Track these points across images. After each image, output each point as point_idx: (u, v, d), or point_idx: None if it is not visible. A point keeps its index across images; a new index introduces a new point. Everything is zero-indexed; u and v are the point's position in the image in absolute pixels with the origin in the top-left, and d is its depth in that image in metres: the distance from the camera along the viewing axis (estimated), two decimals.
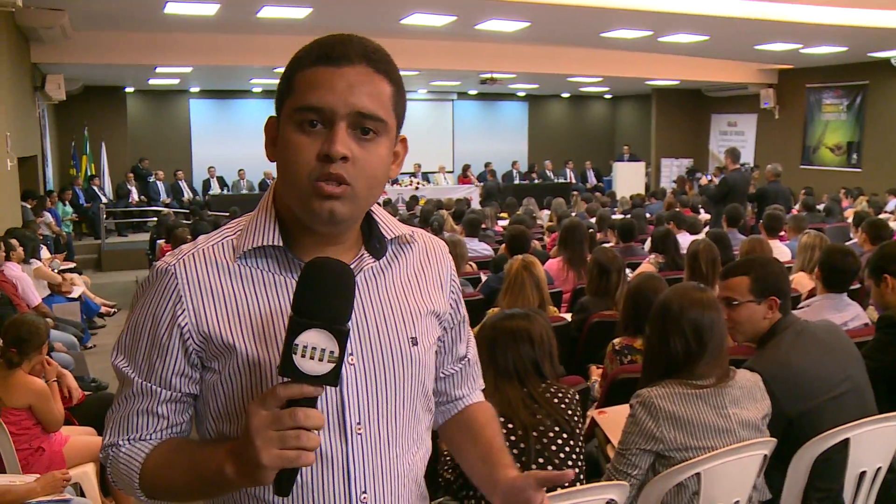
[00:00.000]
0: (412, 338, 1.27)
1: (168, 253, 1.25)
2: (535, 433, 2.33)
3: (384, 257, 1.28)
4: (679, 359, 2.33)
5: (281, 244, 1.20)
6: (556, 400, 2.41)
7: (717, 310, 2.38)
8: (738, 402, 2.30)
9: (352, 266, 1.19)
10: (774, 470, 2.45)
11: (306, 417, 1.02)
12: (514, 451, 2.29)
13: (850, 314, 3.62)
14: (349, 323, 1.06)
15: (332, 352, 1.02)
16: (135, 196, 15.42)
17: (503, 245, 6.14)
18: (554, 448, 2.32)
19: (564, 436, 2.36)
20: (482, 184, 16.73)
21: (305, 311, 1.02)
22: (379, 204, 1.31)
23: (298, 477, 1.10)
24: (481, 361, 1.56)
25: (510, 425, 2.34)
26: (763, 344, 2.68)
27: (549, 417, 2.36)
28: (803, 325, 2.71)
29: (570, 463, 2.33)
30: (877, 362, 2.84)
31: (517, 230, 5.78)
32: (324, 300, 1.03)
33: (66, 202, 12.21)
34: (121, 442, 1.24)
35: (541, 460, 2.30)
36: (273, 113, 1.23)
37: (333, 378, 1.03)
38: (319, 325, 1.02)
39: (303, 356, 1.01)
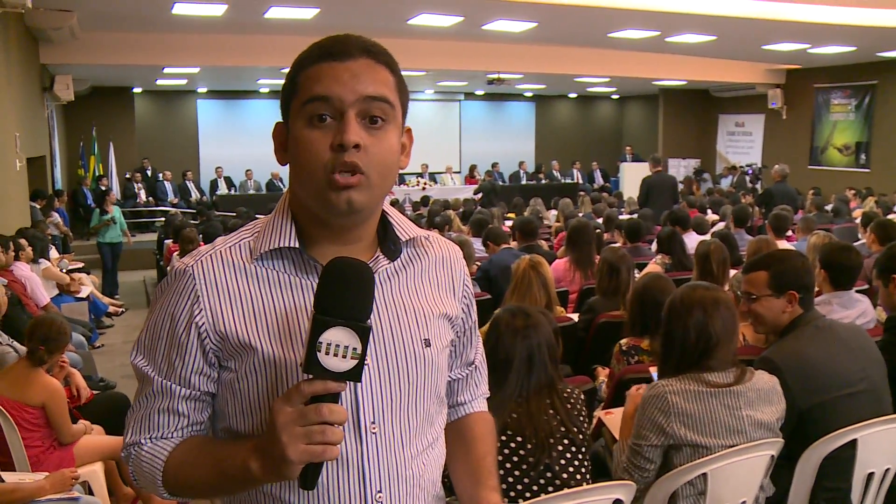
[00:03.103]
0: (425, 339, 1.27)
1: (187, 254, 1.27)
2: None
3: (399, 259, 1.29)
4: (688, 355, 2.35)
5: (297, 246, 1.21)
6: None
7: (720, 306, 2.38)
8: (752, 405, 2.30)
9: None
10: (782, 469, 2.45)
11: (331, 412, 1.04)
12: (521, 451, 2.30)
13: (857, 310, 3.61)
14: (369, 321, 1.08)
15: (355, 348, 1.04)
16: (142, 196, 15.46)
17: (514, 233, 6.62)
18: (560, 448, 2.32)
19: (570, 436, 2.35)
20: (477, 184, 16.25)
21: (328, 310, 1.04)
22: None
23: None
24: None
25: None
26: (783, 336, 2.72)
27: (555, 417, 2.37)
28: (826, 322, 2.74)
29: (576, 463, 2.33)
30: (885, 363, 2.83)
31: (525, 218, 6.30)
32: (346, 298, 1.05)
33: (112, 204, 10.09)
34: (143, 441, 1.25)
35: (547, 461, 2.30)
36: (279, 116, 1.24)
37: (357, 374, 1.05)
38: (342, 322, 1.03)
39: (327, 353, 1.03)
